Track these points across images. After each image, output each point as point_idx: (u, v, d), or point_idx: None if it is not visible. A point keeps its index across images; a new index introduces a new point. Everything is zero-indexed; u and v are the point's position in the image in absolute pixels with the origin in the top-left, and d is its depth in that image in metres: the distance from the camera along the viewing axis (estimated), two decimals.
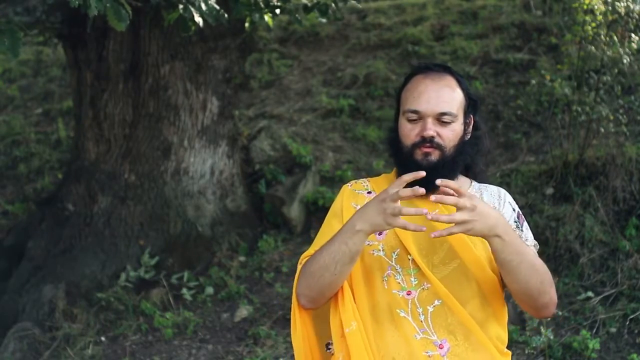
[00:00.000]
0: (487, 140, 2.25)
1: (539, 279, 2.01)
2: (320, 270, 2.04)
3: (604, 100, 5.46)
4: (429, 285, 2.04)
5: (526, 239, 2.13)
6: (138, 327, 4.75)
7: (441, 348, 2.01)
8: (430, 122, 2.09)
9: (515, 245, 1.98)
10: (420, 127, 2.10)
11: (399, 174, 2.16)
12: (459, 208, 1.92)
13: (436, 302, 2.03)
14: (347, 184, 2.29)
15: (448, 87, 2.13)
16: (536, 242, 2.17)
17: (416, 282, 2.06)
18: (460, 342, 2.02)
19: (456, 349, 2.01)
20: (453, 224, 1.92)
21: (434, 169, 2.07)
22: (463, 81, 2.18)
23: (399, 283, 2.06)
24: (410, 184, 2.05)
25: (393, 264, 2.08)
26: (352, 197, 2.23)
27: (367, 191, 2.24)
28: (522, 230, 2.13)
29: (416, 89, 2.13)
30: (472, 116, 2.19)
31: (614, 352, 4.21)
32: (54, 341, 4.67)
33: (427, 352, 2.00)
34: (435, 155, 2.09)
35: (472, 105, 2.18)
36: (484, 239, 2.02)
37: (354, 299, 2.08)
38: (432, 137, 2.08)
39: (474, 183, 2.23)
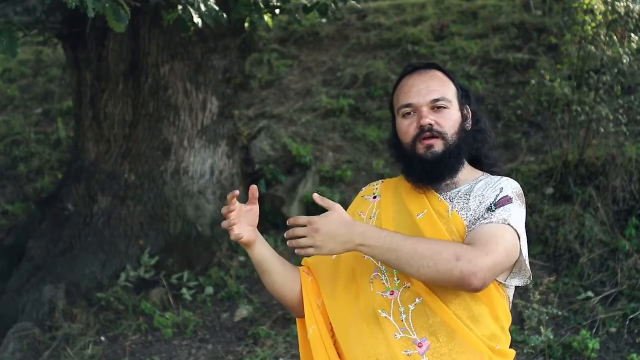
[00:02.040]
0: (492, 133, 2.23)
1: (428, 262, 1.91)
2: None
3: (604, 100, 5.46)
4: (409, 284, 2.03)
5: (489, 219, 2.00)
6: (138, 327, 4.75)
7: (420, 347, 1.98)
8: (425, 110, 2.09)
9: (383, 244, 1.93)
10: (417, 119, 2.09)
11: (405, 173, 2.16)
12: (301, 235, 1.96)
13: (417, 301, 2.02)
14: (364, 188, 2.31)
15: (436, 77, 2.14)
16: (509, 223, 1.99)
17: (399, 281, 2.05)
18: (444, 344, 1.98)
19: (440, 350, 1.98)
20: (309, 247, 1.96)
21: (440, 161, 2.07)
22: (451, 74, 2.19)
23: (384, 284, 2.06)
24: (417, 177, 2.10)
25: (379, 265, 2.08)
26: (359, 205, 2.26)
27: (373, 196, 2.25)
28: (494, 211, 2.02)
29: (406, 85, 2.15)
30: (468, 107, 2.18)
31: (614, 352, 4.21)
32: (54, 341, 4.67)
33: (406, 352, 1.98)
34: (438, 146, 2.07)
35: (465, 95, 2.17)
36: (464, 235, 2.02)
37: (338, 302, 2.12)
38: (431, 125, 2.07)
39: (482, 176, 2.18)
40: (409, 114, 2.11)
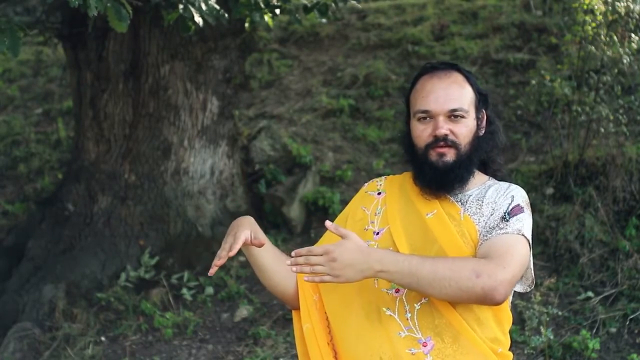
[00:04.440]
0: (502, 136, 2.22)
1: (449, 282, 1.90)
2: None
3: (604, 100, 5.46)
4: None
5: (504, 229, 2.02)
6: (138, 327, 4.75)
7: (425, 346, 1.98)
8: (441, 120, 2.07)
9: (402, 269, 1.91)
10: (433, 127, 2.08)
11: (414, 176, 2.16)
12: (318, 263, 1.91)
13: (423, 300, 2.02)
14: (365, 184, 2.31)
15: (456, 83, 2.11)
16: (523, 234, 2.03)
17: None
18: (448, 345, 1.98)
19: (445, 351, 1.98)
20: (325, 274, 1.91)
21: (451, 170, 2.07)
22: (471, 77, 2.16)
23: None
24: (426, 182, 2.10)
25: None
26: (362, 200, 2.25)
27: (377, 192, 2.25)
28: (508, 221, 2.04)
29: (424, 89, 2.12)
30: (484, 111, 2.17)
31: (614, 352, 4.21)
32: (54, 341, 4.67)
33: (410, 350, 1.98)
34: (450, 155, 2.07)
35: (482, 100, 2.16)
36: (475, 240, 2.02)
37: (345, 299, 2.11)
38: (446, 135, 2.06)
39: (490, 180, 2.19)
40: (424, 118, 2.10)
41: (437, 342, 1.98)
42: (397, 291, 2.04)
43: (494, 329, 2.05)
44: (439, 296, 1.93)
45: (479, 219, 2.06)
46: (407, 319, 2.01)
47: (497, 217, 2.04)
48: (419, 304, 2.02)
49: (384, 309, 2.03)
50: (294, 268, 1.92)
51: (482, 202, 2.10)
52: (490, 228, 2.03)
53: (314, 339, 2.12)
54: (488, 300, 1.92)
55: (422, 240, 2.07)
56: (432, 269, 1.90)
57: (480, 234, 2.04)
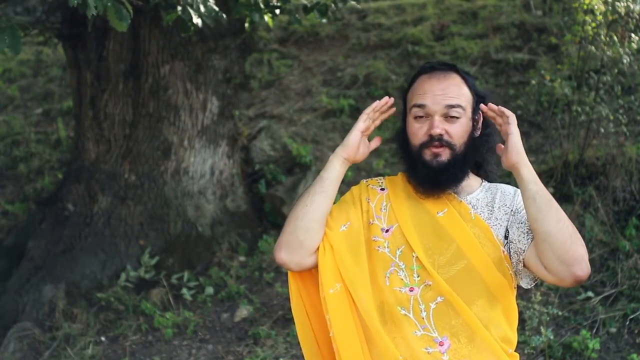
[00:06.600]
0: (498, 138, 2.23)
1: (569, 226, 1.94)
2: (295, 209, 2.12)
3: (604, 100, 5.46)
4: (431, 282, 2.03)
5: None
6: (138, 327, 4.75)
7: (441, 345, 1.98)
8: (437, 119, 2.09)
9: (540, 184, 1.99)
10: (428, 126, 2.09)
11: (408, 174, 2.17)
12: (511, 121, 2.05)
13: (439, 299, 2.01)
14: (364, 180, 2.32)
15: (454, 84, 2.13)
16: None
17: (419, 278, 2.04)
18: (464, 345, 1.99)
19: (461, 351, 1.98)
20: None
21: (445, 170, 2.08)
22: (469, 78, 2.18)
23: (402, 279, 2.05)
24: (419, 180, 2.11)
25: (397, 260, 2.07)
26: (365, 191, 2.26)
27: (380, 187, 2.25)
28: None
29: (422, 87, 2.14)
30: (480, 113, 2.18)
31: (614, 352, 4.21)
32: (54, 341, 4.67)
33: (426, 349, 1.98)
34: (445, 155, 2.08)
35: (479, 102, 2.17)
36: (491, 239, 2.03)
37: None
38: (441, 135, 2.08)
39: (485, 182, 2.21)
40: (421, 117, 2.11)
41: (453, 342, 1.99)
42: (410, 290, 2.04)
43: (504, 328, 2.06)
44: (552, 225, 1.93)
45: (494, 223, 2.08)
46: (423, 318, 2.01)
47: (524, 215, 2.06)
48: (434, 303, 2.02)
49: (399, 308, 2.02)
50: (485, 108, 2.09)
51: (493, 207, 2.12)
52: (528, 230, 2.04)
53: (344, 298, 2.04)
54: (579, 268, 1.94)
55: (437, 239, 2.07)
56: (558, 206, 1.98)
57: (501, 237, 2.06)
